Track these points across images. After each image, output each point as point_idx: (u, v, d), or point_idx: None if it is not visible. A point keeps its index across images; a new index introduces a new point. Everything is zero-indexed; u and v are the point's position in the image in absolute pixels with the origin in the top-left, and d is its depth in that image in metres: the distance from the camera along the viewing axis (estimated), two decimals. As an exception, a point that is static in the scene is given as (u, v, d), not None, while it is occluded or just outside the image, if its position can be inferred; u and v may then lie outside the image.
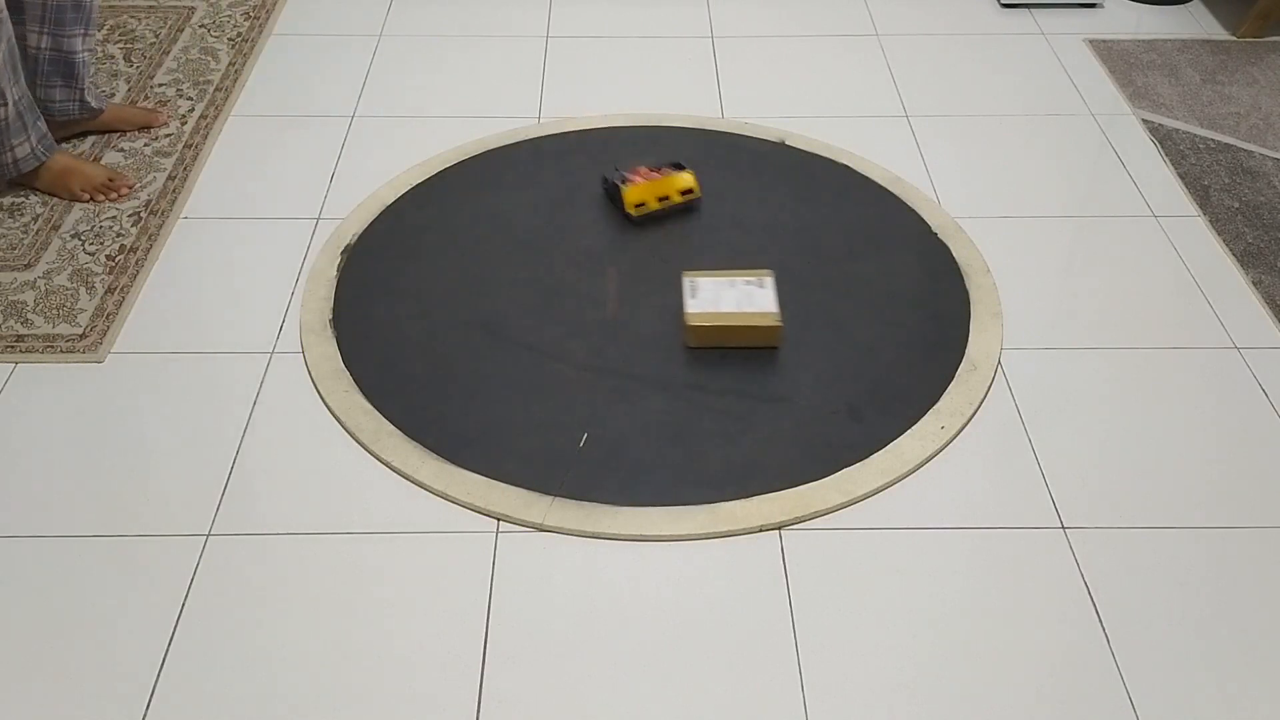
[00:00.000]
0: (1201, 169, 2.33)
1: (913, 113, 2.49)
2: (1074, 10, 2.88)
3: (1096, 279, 2.06)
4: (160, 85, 2.53)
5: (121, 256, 2.05)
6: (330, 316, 1.94)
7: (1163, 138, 2.42)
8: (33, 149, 2.11)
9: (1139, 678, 1.43)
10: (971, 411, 1.79)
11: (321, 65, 2.62)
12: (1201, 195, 2.26)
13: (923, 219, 2.18)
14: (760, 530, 1.60)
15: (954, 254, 2.10)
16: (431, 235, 2.12)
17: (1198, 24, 2.84)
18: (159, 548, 1.57)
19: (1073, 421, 1.78)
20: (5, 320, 1.92)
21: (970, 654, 1.45)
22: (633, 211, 2.12)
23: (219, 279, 2.03)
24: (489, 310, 1.96)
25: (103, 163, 2.28)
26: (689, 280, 1.92)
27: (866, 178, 2.28)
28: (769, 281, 1.92)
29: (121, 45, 2.67)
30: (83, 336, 1.89)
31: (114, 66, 2.59)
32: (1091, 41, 2.75)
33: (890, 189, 2.25)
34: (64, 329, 1.90)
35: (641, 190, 2.12)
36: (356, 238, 2.11)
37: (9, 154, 2.09)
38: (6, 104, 2.03)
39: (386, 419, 1.75)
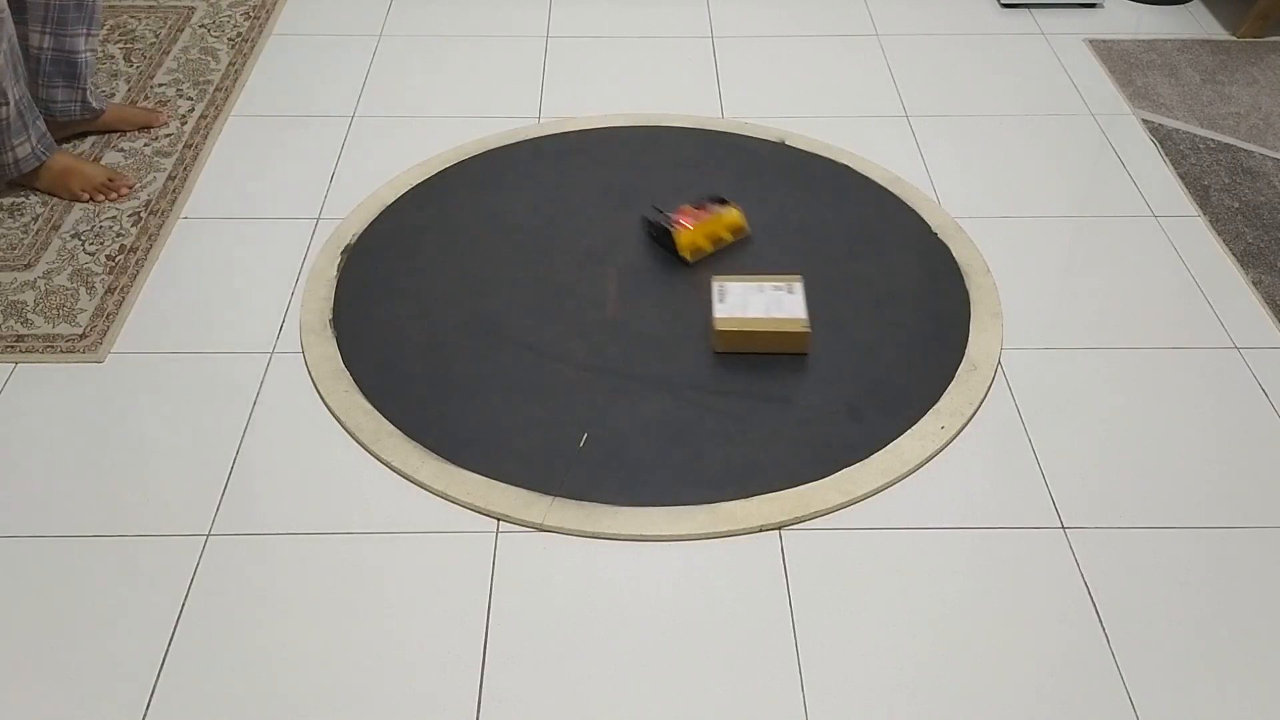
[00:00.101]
0: (1201, 169, 2.33)
1: (913, 113, 2.49)
2: (1074, 10, 2.88)
3: (1096, 279, 2.06)
4: (160, 85, 2.53)
5: (121, 256, 2.05)
6: (330, 316, 1.94)
7: (1163, 138, 2.42)
8: (33, 149, 2.11)
9: (1139, 678, 1.43)
10: (971, 411, 1.79)
11: (321, 65, 2.62)
12: (1201, 195, 2.26)
13: (923, 219, 2.18)
14: (760, 530, 1.60)
15: (954, 254, 2.10)
16: (431, 235, 2.12)
17: (1198, 24, 2.84)
18: (159, 548, 1.57)
19: (1073, 421, 1.78)
20: (5, 320, 1.92)
21: (970, 654, 1.45)
22: (689, 257, 2.04)
23: (219, 279, 2.03)
24: (489, 310, 1.96)
25: (103, 163, 2.28)
26: (717, 284, 1.90)
27: (866, 178, 2.28)
28: (798, 287, 1.90)
29: (121, 45, 2.67)
30: (83, 336, 1.89)
31: (114, 66, 2.59)
32: (1091, 41, 2.75)
33: (890, 189, 2.25)
34: (64, 329, 1.90)
35: (694, 234, 2.03)
36: (356, 238, 2.11)
37: (10, 153, 2.09)
38: (8, 103, 2.03)
39: (386, 419, 1.75)
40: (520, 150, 2.35)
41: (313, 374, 1.83)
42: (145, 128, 2.38)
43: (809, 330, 1.84)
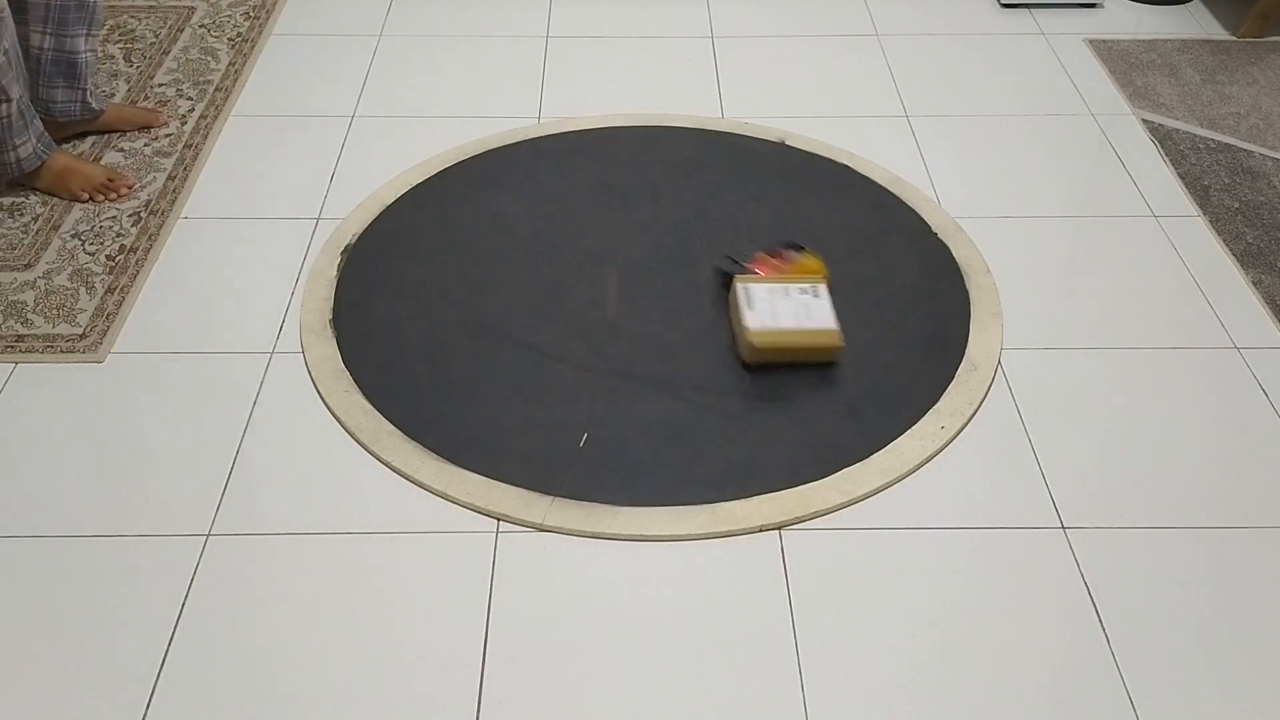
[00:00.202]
0: (1201, 169, 2.33)
1: (913, 113, 2.49)
2: (1074, 10, 2.88)
3: (1096, 279, 2.06)
4: (160, 85, 2.53)
5: (121, 256, 2.05)
6: (330, 316, 1.94)
7: (1163, 138, 2.42)
8: (35, 148, 2.12)
9: (1139, 678, 1.43)
10: (971, 411, 1.79)
11: (321, 65, 2.62)
12: (1201, 195, 2.26)
13: (923, 219, 2.18)
14: (760, 530, 1.60)
15: (954, 254, 2.10)
16: (431, 235, 2.12)
17: (1198, 24, 2.84)
18: (159, 548, 1.57)
19: (1073, 421, 1.78)
20: (5, 320, 1.92)
21: (970, 654, 1.45)
22: None
23: (219, 279, 2.03)
24: (489, 310, 1.96)
25: (103, 163, 2.28)
26: (742, 287, 1.83)
27: (866, 178, 2.28)
28: (823, 290, 1.84)
29: (121, 45, 2.67)
30: (83, 336, 1.89)
31: (114, 66, 2.59)
32: (1091, 41, 2.75)
33: (890, 189, 2.25)
34: (64, 329, 1.90)
35: (807, 272, 1.93)
36: (356, 238, 2.11)
37: (12, 152, 2.09)
38: (10, 100, 2.03)
39: (386, 419, 1.75)
40: (520, 150, 2.35)
41: (313, 374, 1.83)
42: (145, 128, 2.38)
43: (842, 344, 1.81)
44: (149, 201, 2.19)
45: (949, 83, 2.60)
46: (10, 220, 2.13)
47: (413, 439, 1.72)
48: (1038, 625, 1.49)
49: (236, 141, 2.37)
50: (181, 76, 2.56)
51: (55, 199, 2.18)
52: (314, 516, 1.61)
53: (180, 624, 1.47)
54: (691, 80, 2.59)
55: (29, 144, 2.11)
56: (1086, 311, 1.99)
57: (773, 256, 1.94)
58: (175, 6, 2.82)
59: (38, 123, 2.13)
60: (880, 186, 2.26)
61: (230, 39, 2.69)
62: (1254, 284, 2.05)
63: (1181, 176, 2.31)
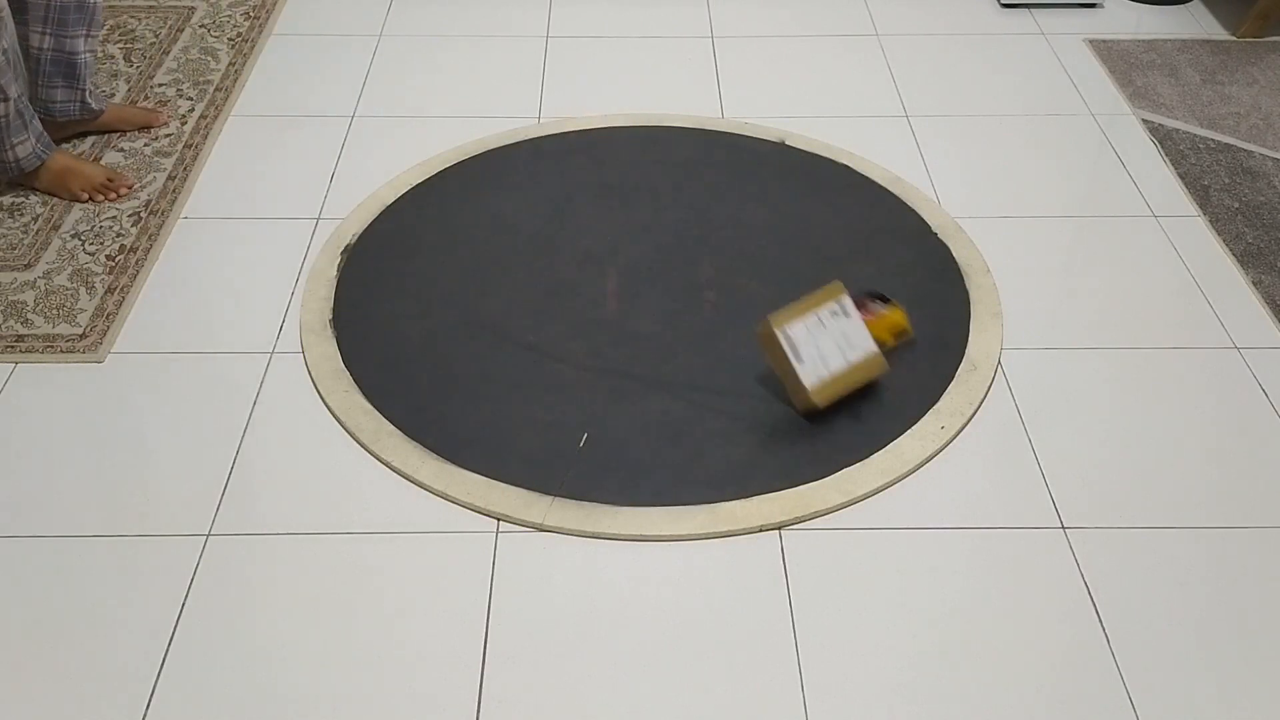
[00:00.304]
0: (1201, 169, 2.33)
1: (913, 113, 2.49)
2: (1074, 10, 2.88)
3: (1096, 279, 2.06)
4: (160, 85, 2.53)
5: (121, 256, 2.05)
6: (330, 316, 1.94)
7: (1163, 138, 2.42)
8: (34, 148, 2.12)
9: (1139, 678, 1.43)
10: (971, 411, 1.79)
11: (321, 65, 2.62)
12: (1201, 195, 2.26)
13: (923, 219, 2.18)
14: (760, 530, 1.60)
15: (954, 254, 2.10)
16: (431, 235, 2.12)
17: (1198, 24, 2.84)
18: (159, 548, 1.57)
19: (1073, 421, 1.78)
20: (5, 320, 1.92)
21: (970, 654, 1.45)
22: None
23: (219, 279, 2.03)
24: (489, 310, 1.96)
25: (103, 163, 2.28)
26: (781, 332, 1.72)
27: (866, 178, 2.28)
28: (847, 302, 1.77)
29: (121, 45, 2.67)
30: (83, 336, 1.89)
31: (114, 66, 2.59)
32: (1091, 41, 2.75)
33: (890, 189, 2.25)
34: (64, 329, 1.90)
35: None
36: (356, 238, 2.11)
37: (11, 152, 2.09)
38: (8, 100, 2.03)
39: (386, 419, 1.75)
40: (520, 150, 2.35)
41: (313, 374, 1.83)
42: (145, 128, 2.38)
43: (888, 366, 1.79)
44: (149, 201, 2.19)
45: (949, 83, 2.60)
46: (10, 220, 2.14)
47: (413, 439, 1.72)
48: (1038, 625, 1.49)
49: (236, 141, 2.37)
50: (181, 76, 2.56)
51: (55, 199, 2.18)
52: (314, 516, 1.61)
53: (180, 624, 1.47)
54: (691, 80, 2.59)
55: (28, 144, 2.11)
56: (1086, 311, 1.99)
57: (858, 306, 1.83)
58: (175, 6, 2.82)
59: (37, 123, 2.13)
60: (880, 186, 2.26)
61: (230, 39, 2.69)
62: (1254, 284, 2.05)
63: (1181, 176, 2.31)
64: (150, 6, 2.82)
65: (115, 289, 1.98)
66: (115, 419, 1.76)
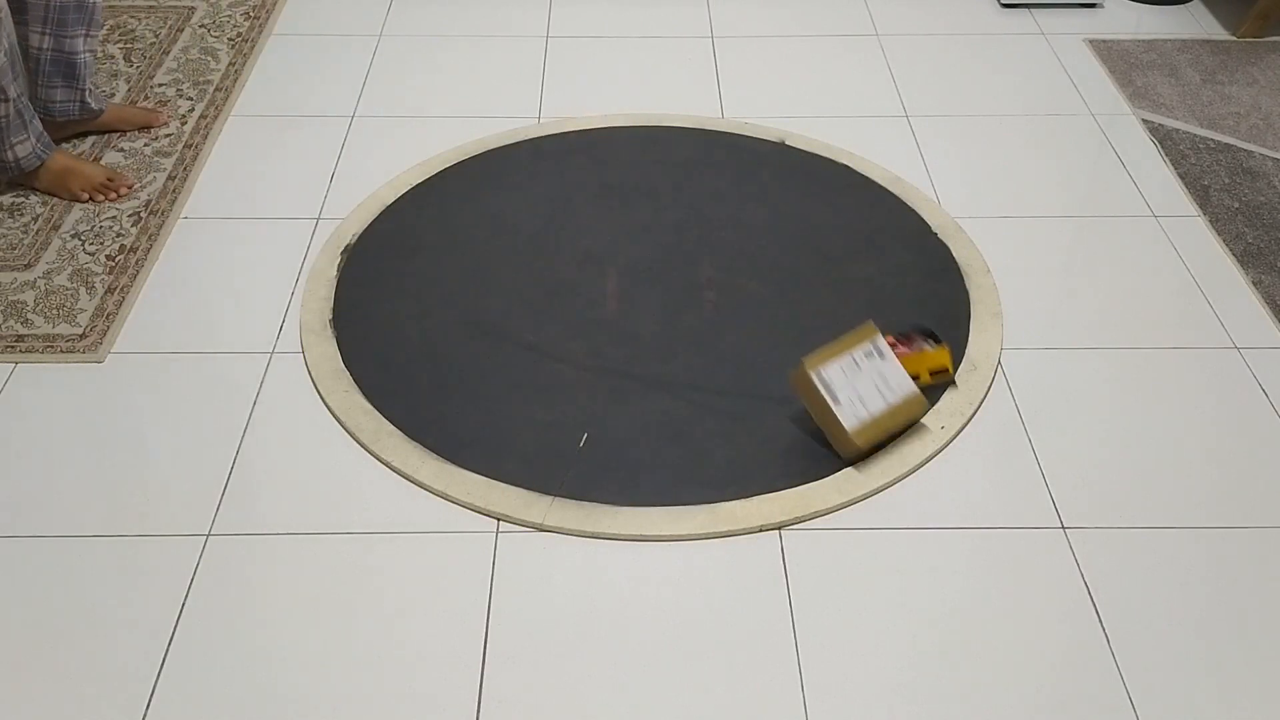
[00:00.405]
0: (1201, 169, 2.33)
1: (913, 113, 2.49)
2: (1074, 10, 2.88)
3: (1096, 279, 2.06)
4: (160, 85, 2.53)
5: (121, 256, 2.05)
6: (330, 316, 1.94)
7: (1163, 138, 2.42)
8: (33, 147, 2.12)
9: (1139, 678, 1.43)
10: (971, 411, 1.79)
11: (321, 65, 2.62)
12: (1201, 195, 2.26)
13: (923, 219, 2.18)
14: (760, 530, 1.60)
15: (954, 254, 2.10)
16: (431, 235, 2.12)
17: (1198, 24, 2.84)
18: (159, 548, 1.57)
19: (1073, 421, 1.78)
20: (5, 320, 1.92)
21: (970, 654, 1.45)
22: None
23: (219, 279, 2.03)
24: (489, 310, 1.96)
25: (103, 163, 2.28)
26: (815, 374, 1.68)
27: (866, 178, 2.28)
28: (881, 343, 1.73)
29: (121, 45, 2.67)
30: (83, 336, 1.89)
31: (114, 66, 2.59)
32: (1091, 41, 2.75)
33: (890, 189, 2.25)
34: (64, 329, 1.90)
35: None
36: (356, 238, 2.11)
37: (10, 152, 2.09)
38: (8, 100, 2.03)
39: (386, 419, 1.75)
40: (520, 150, 2.35)
41: (313, 374, 1.83)
42: (145, 128, 2.38)
43: (928, 405, 1.75)
44: (149, 201, 2.19)
45: (949, 83, 2.60)
46: (10, 220, 2.14)
47: (413, 439, 1.72)
48: (1038, 625, 1.49)
49: (236, 141, 2.37)
50: (181, 76, 2.56)
51: (55, 199, 2.18)
52: (314, 516, 1.61)
53: (180, 624, 1.47)
54: (691, 80, 2.59)
55: (28, 144, 2.11)
56: (1086, 311, 1.99)
57: (903, 341, 1.82)
58: (175, 6, 2.82)
59: (37, 123, 2.13)
60: (880, 186, 2.26)
61: (230, 39, 2.69)
62: (1254, 284, 2.05)
63: (1181, 176, 2.31)
64: (150, 6, 2.82)
65: (115, 289, 1.98)
66: (115, 419, 1.76)
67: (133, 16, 2.78)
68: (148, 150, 2.33)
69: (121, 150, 2.32)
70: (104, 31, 2.71)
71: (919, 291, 2.01)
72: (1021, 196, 2.25)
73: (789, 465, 1.69)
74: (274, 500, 1.64)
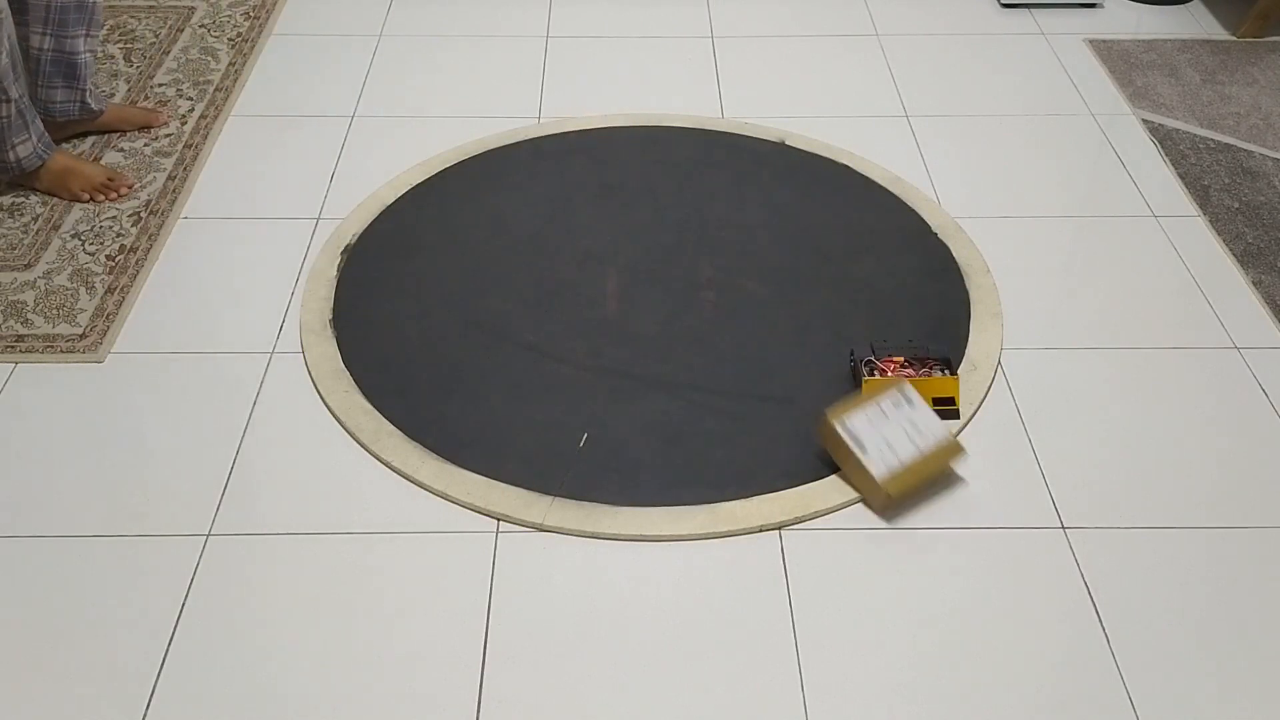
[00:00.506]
0: (1201, 169, 2.33)
1: (913, 113, 2.49)
2: (1074, 10, 2.88)
3: (1096, 279, 2.06)
4: (160, 85, 2.53)
5: (121, 256, 2.05)
6: (330, 316, 1.94)
7: (1163, 138, 2.42)
8: (34, 148, 2.12)
9: (1139, 678, 1.43)
10: (971, 412, 1.79)
11: (321, 65, 2.62)
12: (1201, 195, 2.26)
13: (923, 219, 2.18)
14: (760, 530, 1.60)
15: (954, 254, 2.10)
16: (431, 235, 2.12)
17: (1198, 24, 2.84)
18: (159, 548, 1.57)
19: (1073, 421, 1.78)
20: (5, 320, 1.92)
21: (970, 654, 1.45)
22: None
23: (219, 279, 2.03)
24: (489, 310, 1.96)
25: (103, 163, 2.28)
26: (839, 424, 1.63)
27: (866, 178, 2.28)
28: (911, 392, 1.67)
29: (121, 45, 2.67)
30: (83, 336, 1.89)
31: (114, 66, 2.59)
32: (1091, 41, 2.75)
33: (890, 189, 2.25)
34: (64, 329, 1.90)
35: (883, 386, 1.74)
36: (356, 238, 2.11)
37: (12, 152, 2.09)
38: (9, 101, 2.03)
39: (386, 419, 1.75)
40: (520, 150, 2.35)
41: (313, 374, 1.83)
42: (145, 128, 2.38)
43: (964, 448, 1.68)
44: (149, 201, 2.19)
45: (949, 83, 2.60)
46: (10, 220, 2.14)
47: (413, 439, 1.72)
48: (1038, 625, 1.49)
49: (236, 141, 2.37)
50: (181, 76, 2.56)
51: (55, 199, 2.18)
52: (314, 516, 1.61)
53: (180, 624, 1.47)
54: (691, 80, 2.59)
55: (29, 144, 2.11)
56: (1086, 311, 1.99)
57: (910, 364, 1.78)
58: (175, 6, 2.82)
59: (38, 123, 2.13)
60: (880, 186, 2.26)
61: (230, 39, 2.69)
62: (1254, 284, 2.05)
63: (1181, 176, 2.31)
64: (150, 6, 2.82)
65: (115, 289, 1.98)
66: (115, 419, 1.76)
67: (133, 16, 2.78)
68: (148, 150, 2.33)
69: (121, 150, 2.32)
70: (104, 31, 2.71)
71: (919, 291, 2.01)
72: (1021, 196, 2.25)
73: (789, 465, 1.69)
74: (274, 500, 1.63)
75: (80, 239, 2.09)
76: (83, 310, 1.94)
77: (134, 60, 2.62)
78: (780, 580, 1.54)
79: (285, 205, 2.20)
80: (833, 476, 1.67)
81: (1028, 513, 1.64)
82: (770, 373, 1.84)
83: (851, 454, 1.62)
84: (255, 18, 2.77)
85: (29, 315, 1.93)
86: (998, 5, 2.89)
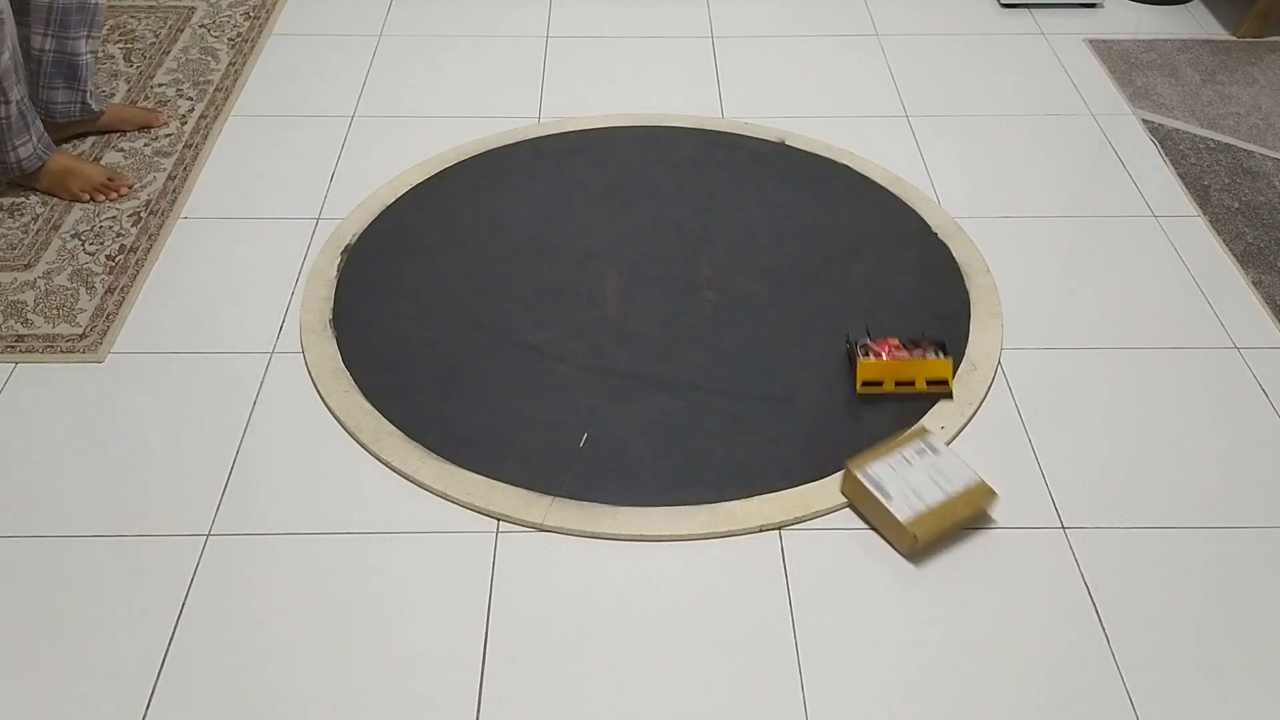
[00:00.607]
0: (1201, 169, 2.33)
1: (913, 113, 2.49)
2: (1074, 10, 2.88)
3: (1096, 279, 2.06)
4: (160, 85, 2.53)
5: (121, 256, 2.05)
6: (330, 316, 1.94)
7: (1163, 138, 2.42)
8: (35, 148, 2.12)
9: (1139, 678, 1.43)
10: (972, 412, 1.79)
11: (321, 65, 2.62)
12: (1201, 195, 2.26)
13: (923, 219, 2.18)
14: (760, 530, 1.60)
15: (954, 254, 2.10)
16: (431, 235, 2.12)
17: (1198, 24, 2.84)
18: (159, 548, 1.57)
19: (1073, 421, 1.78)
20: (5, 320, 1.92)
21: (970, 654, 1.45)
22: (859, 390, 1.80)
23: (219, 279, 2.03)
24: (489, 310, 1.96)
25: (103, 163, 2.28)
26: (861, 473, 1.61)
27: (866, 178, 2.28)
28: (935, 440, 1.67)
29: (121, 45, 2.67)
30: (83, 336, 1.89)
31: (114, 66, 2.60)
32: (1091, 41, 2.75)
33: (890, 189, 2.25)
34: (64, 329, 1.90)
35: (878, 368, 1.79)
36: (356, 238, 2.11)
37: (12, 153, 2.10)
38: (9, 102, 2.03)
39: (386, 419, 1.75)
40: (520, 150, 2.35)
41: (313, 374, 1.83)
42: (145, 128, 2.38)
43: (996, 492, 1.63)
44: (149, 201, 2.19)
45: (949, 83, 2.60)
46: (10, 220, 2.14)
47: (413, 439, 1.72)
48: (1038, 625, 1.49)
49: (236, 141, 2.37)
50: (181, 76, 2.56)
51: (55, 199, 2.18)
52: (314, 516, 1.61)
53: (180, 624, 1.47)
54: (691, 80, 2.59)
55: (29, 144, 2.11)
56: (1086, 311, 1.99)
57: (905, 347, 1.80)
58: (175, 6, 2.82)
59: (38, 123, 2.13)
60: (880, 186, 2.26)
61: (230, 39, 2.69)
62: (1254, 284, 2.05)
63: (1181, 176, 2.31)
64: (150, 6, 2.82)
65: (115, 289, 1.98)
66: (115, 419, 1.76)
67: (133, 16, 2.78)
68: (148, 150, 2.33)
69: (121, 150, 2.32)
70: (104, 32, 2.71)
71: (919, 291, 2.01)
72: (1021, 196, 2.25)
73: (789, 465, 1.69)
74: (274, 500, 1.64)
75: (80, 239, 2.09)
76: (83, 310, 1.94)
77: (134, 60, 2.62)
78: (780, 580, 1.54)
79: (285, 205, 2.20)
80: (832, 477, 1.67)
81: (1028, 513, 1.64)
82: (770, 373, 1.84)
83: (876, 501, 1.59)
84: (255, 18, 2.77)
85: (29, 315, 1.93)
86: (998, 5, 2.89)
